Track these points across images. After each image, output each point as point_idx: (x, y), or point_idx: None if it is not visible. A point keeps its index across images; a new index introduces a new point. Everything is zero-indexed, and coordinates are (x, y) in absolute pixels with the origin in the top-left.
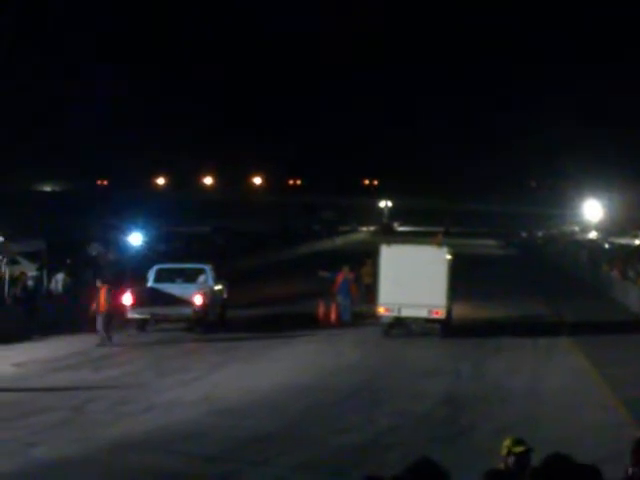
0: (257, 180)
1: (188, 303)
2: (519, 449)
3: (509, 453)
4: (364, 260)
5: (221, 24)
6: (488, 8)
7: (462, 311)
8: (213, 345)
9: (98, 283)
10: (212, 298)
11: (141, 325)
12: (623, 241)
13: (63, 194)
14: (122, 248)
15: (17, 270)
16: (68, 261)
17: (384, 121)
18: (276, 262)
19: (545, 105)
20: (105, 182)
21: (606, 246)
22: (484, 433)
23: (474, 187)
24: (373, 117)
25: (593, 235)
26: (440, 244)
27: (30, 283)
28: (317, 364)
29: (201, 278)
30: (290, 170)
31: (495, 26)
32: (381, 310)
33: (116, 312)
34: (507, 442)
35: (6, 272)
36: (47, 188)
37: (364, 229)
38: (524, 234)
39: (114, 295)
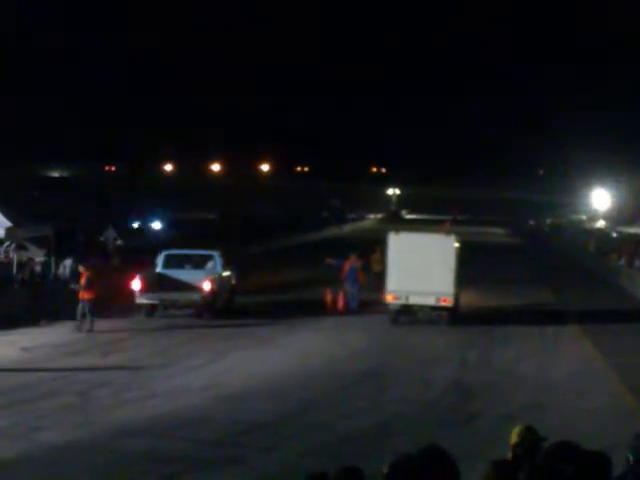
0: (265, 167)
1: (196, 289)
2: (527, 439)
3: (518, 442)
4: (373, 248)
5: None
6: None
7: (469, 299)
8: (220, 331)
9: (81, 268)
10: (220, 284)
11: (149, 311)
12: (631, 230)
13: (73, 180)
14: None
15: (25, 256)
16: (75, 246)
17: (393, 109)
18: (284, 249)
19: (554, 94)
20: (113, 168)
21: (614, 235)
22: (491, 420)
23: (482, 175)
24: (381, 105)
25: (601, 224)
26: (448, 232)
27: (38, 268)
28: (324, 351)
29: (209, 264)
30: (298, 157)
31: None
32: (389, 298)
33: (94, 299)
34: (516, 430)
35: (14, 257)
36: (55, 174)
37: (372, 217)
38: (532, 222)
39: (94, 281)
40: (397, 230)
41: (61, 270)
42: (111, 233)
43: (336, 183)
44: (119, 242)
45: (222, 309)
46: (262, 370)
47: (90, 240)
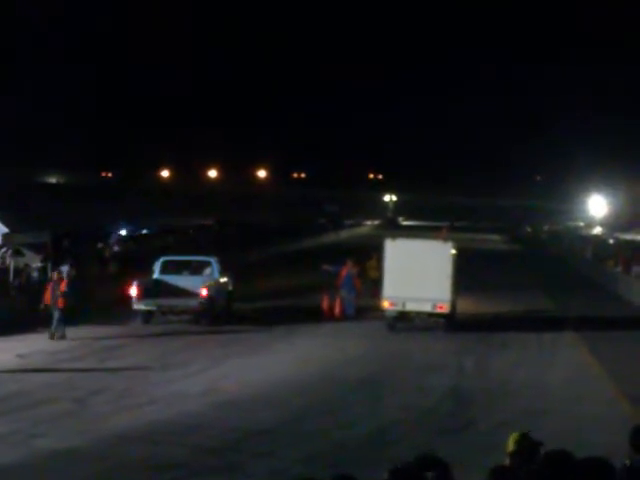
0: (261, 173)
1: (194, 295)
2: (525, 444)
3: (515, 449)
4: (370, 254)
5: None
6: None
7: (466, 305)
8: (218, 337)
9: (55, 275)
10: (218, 290)
11: (146, 317)
12: (628, 236)
13: (71, 186)
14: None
15: (21, 262)
16: (72, 252)
17: (390, 116)
18: (281, 255)
19: (551, 100)
20: (109, 174)
21: (611, 241)
22: (488, 427)
23: (479, 182)
24: (379, 112)
25: (598, 230)
26: (445, 239)
27: (35, 275)
28: (321, 357)
29: (207, 270)
30: (295, 163)
31: (509, 18)
32: (386, 304)
33: (62, 306)
34: (513, 437)
35: (11, 263)
36: (52, 180)
37: (369, 223)
38: (529, 229)
39: (61, 288)
40: (394, 236)
41: None
42: (115, 237)
43: (333, 189)
44: (116, 248)
45: (220, 315)
46: (260, 377)
47: (86, 247)
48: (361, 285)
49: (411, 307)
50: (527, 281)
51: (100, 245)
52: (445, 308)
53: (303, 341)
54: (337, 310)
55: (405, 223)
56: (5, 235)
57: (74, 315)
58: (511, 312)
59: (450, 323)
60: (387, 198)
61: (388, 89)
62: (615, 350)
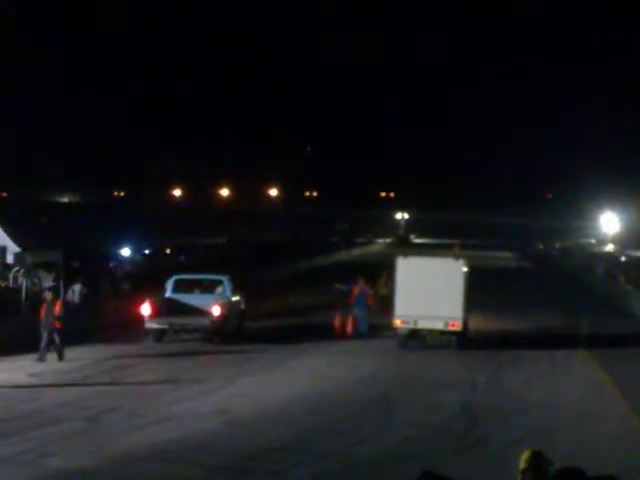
0: (273, 192)
1: (206, 314)
2: (533, 464)
3: (526, 467)
4: (380, 272)
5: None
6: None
7: (478, 323)
8: (230, 356)
9: (47, 294)
10: (230, 309)
11: (159, 335)
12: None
13: (83, 206)
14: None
15: (35, 282)
16: (84, 271)
17: (401, 134)
18: (293, 273)
19: (562, 118)
20: (122, 193)
21: (623, 259)
22: (500, 445)
23: (491, 199)
24: (390, 130)
25: (610, 248)
26: (456, 256)
27: (47, 294)
28: (333, 375)
29: (219, 289)
30: (306, 182)
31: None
32: (397, 322)
33: (59, 328)
34: (525, 455)
35: (23, 283)
36: (64, 199)
37: (380, 241)
38: (541, 246)
39: (54, 308)
40: (406, 254)
41: (70, 295)
42: (115, 263)
43: (345, 208)
44: (128, 267)
45: (232, 334)
46: (272, 395)
47: (98, 266)
48: (374, 303)
49: (423, 325)
50: (539, 298)
51: (112, 264)
52: (457, 326)
53: (315, 359)
54: (349, 328)
55: (417, 241)
56: (17, 255)
57: (87, 334)
58: (523, 329)
59: (462, 341)
60: (399, 216)
61: (397, 108)
62: (627, 367)
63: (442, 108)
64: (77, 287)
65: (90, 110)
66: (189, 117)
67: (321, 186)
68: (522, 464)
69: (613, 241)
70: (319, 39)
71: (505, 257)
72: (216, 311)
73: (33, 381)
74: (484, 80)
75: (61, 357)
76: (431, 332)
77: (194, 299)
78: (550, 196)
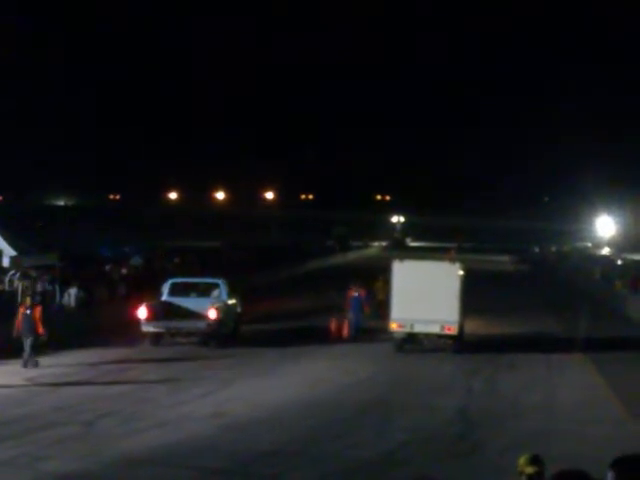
0: (269, 195)
1: (202, 317)
2: (531, 469)
3: (522, 472)
4: (377, 276)
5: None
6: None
7: (475, 327)
8: (226, 360)
9: (27, 300)
10: (226, 312)
11: (155, 339)
12: (636, 257)
13: (80, 209)
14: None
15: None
16: (80, 275)
17: (397, 137)
18: (288, 277)
19: (558, 121)
20: (117, 197)
21: (619, 262)
22: (497, 449)
23: (487, 203)
24: (385, 133)
25: (606, 251)
26: (453, 260)
27: (37, 299)
28: (329, 379)
29: (215, 292)
30: (302, 185)
31: (516, 42)
32: (394, 326)
33: (40, 333)
34: (521, 461)
35: (19, 286)
36: (60, 202)
37: (376, 244)
38: (537, 250)
39: (36, 315)
40: (401, 258)
41: (66, 299)
42: (137, 260)
43: (341, 211)
44: (124, 271)
45: (228, 337)
46: (268, 399)
47: (94, 269)
48: (369, 307)
49: (419, 329)
50: (535, 302)
51: (108, 267)
52: (453, 329)
53: (311, 363)
54: (345, 332)
55: (413, 244)
56: (13, 258)
57: (83, 337)
58: (519, 333)
59: (458, 344)
60: (395, 219)
61: (395, 112)
62: (623, 371)
63: (439, 111)
64: (73, 291)
65: (84, 110)
66: (185, 119)
67: (317, 189)
68: (520, 468)
69: (609, 244)
70: (318, 39)
71: (501, 260)
72: (212, 314)
73: (29, 385)
74: (482, 82)
75: (26, 364)
76: (427, 336)
77: (190, 302)
78: (546, 199)
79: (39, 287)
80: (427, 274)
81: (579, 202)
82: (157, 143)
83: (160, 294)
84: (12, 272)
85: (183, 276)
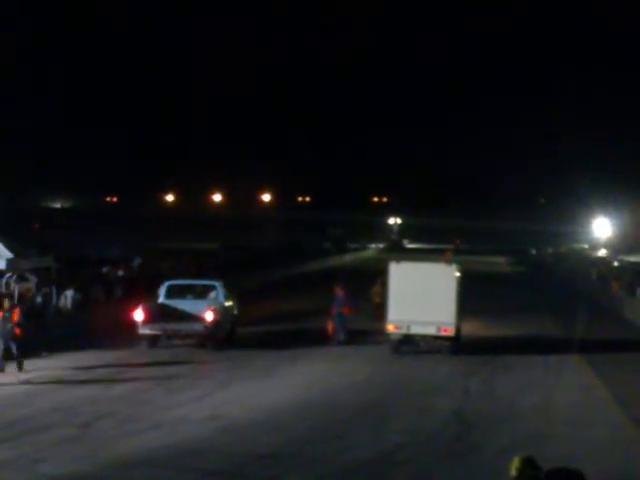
0: (266, 197)
1: (199, 319)
2: (528, 468)
3: (517, 474)
4: (374, 279)
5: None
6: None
7: (471, 328)
8: (222, 362)
9: (5, 302)
10: (223, 314)
11: (152, 341)
12: (632, 259)
13: (77, 211)
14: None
15: (26, 287)
16: (76, 277)
17: (394, 139)
18: (285, 279)
19: (555, 123)
20: (114, 199)
21: (615, 264)
22: (493, 451)
23: (483, 204)
24: (382, 135)
25: (603, 253)
26: (449, 261)
27: (39, 299)
28: (325, 381)
29: (212, 294)
30: (299, 187)
31: (513, 44)
32: (390, 327)
33: (19, 335)
34: (515, 462)
35: (15, 289)
36: (57, 204)
37: (373, 246)
38: (533, 251)
39: (14, 317)
40: (398, 259)
41: (62, 301)
42: (137, 261)
43: (337, 213)
44: (120, 273)
45: (225, 339)
46: (264, 401)
47: (90, 271)
48: (353, 310)
49: (416, 330)
50: (532, 303)
51: (105, 269)
52: (450, 331)
53: (308, 365)
54: (332, 334)
55: (410, 246)
56: (10, 260)
57: (79, 339)
58: (516, 335)
59: (455, 346)
60: (391, 221)
61: (393, 113)
62: (620, 373)
63: (437, 113)
64: (70, 293)
65: (79, 114)
66: (181, 121)
67: (314, 191)
68: (513, 470)
69: (606, 246)
70: (316, 40)
71: (498, 262)
72: (209, 316)
73: (26, 387)
74: (480, 84)
75: (20, 367)
76: (424, 337)
77: (187, 305)
78: (542, 201)
79: (32, 289)
80: (424, 275)
81: (575, 204)
82: (154, 145)
83: (157, 296)
84: (8, 275)
85: (179, 278)
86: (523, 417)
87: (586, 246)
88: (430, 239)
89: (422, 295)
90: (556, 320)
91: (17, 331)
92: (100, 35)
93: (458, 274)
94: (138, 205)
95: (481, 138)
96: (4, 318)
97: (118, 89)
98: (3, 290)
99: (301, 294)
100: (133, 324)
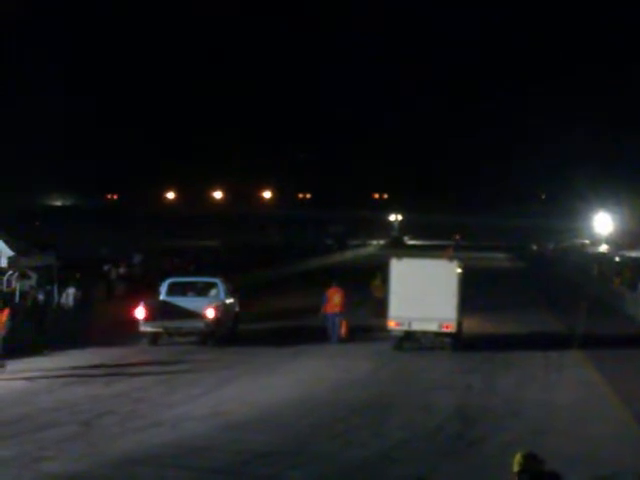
0: (267, 194)
1: (200, 316)
2: (531, 464)
3: (521, 469)
4: (374, 274)
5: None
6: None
7: (473, 324)
8: (224, 359)
9: None
10: (224, 311)
11: (153, 338)
12: (634, 254)
13: (78, 209)
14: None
15: (27, 285)
16: (78, 275)
17: (394, 135)
18: (286, 276)
19: (556, 118)
20: (115, 196)
21: (617, 259)
22: (495, 447)
23: (484, 200)
24: (383, 132)
25: (604, 248)
26: (450, 258)
27: (41, 297)
28: (327, 378)
29: (213, 292)
30: (300, 184)
31: (512, 41)
32: (391, 324)
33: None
34: (518, 457)
35: (17, 287)
36: (58, 203)
37: (374, 243)
38: (535, 247)
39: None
40: (399, 256)
41: (64, 299)
42: (137, 259)
43: (338, 210)
44: (122, 270)
45: (226, 336)
46: (265, 398)
47: (92, 269)
48: (342, 307)
49: (417, 327)
50: (533, 299)
51: (106, 267)
52: (451, 327)
53: (309, 362)
54: (343, 330)
55: (410, 242)
56: (11, 258)
57: (81, 337)
58: (517, 331)
59: (456, 342)
60: (392, 218)
61: (391, 110)
62: (622, 368)
63: (437, 109)
64: (71, 291)
65: (80, 111)
66: (181, 118)
67: (315, 188)
68: (516, 466)
69: (607, 242)
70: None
71: (499, 258)
72: (210, 314)
73: (27, 385)
74: (478, 81)
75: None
76: (425, 334)
77: (188, 302)
78: (543, 197)
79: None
80: (425, 272)
81: (576, 199)
82: (154, 142)
83: (158, 293)
84: (10, 272)
85: (180, 275)
86: (525, 413)
87: (587, 242)
88: (431, 235)
89: (423, 291)
90: (557, 316)
91: (1, 327)
92: (100, 33)
93: (459, 270)
94: (139, 203)
95: (482, 134)
96: None
97: (118, 86)
98: (4, 288)
99: (302, 291)
100: (134, 322)
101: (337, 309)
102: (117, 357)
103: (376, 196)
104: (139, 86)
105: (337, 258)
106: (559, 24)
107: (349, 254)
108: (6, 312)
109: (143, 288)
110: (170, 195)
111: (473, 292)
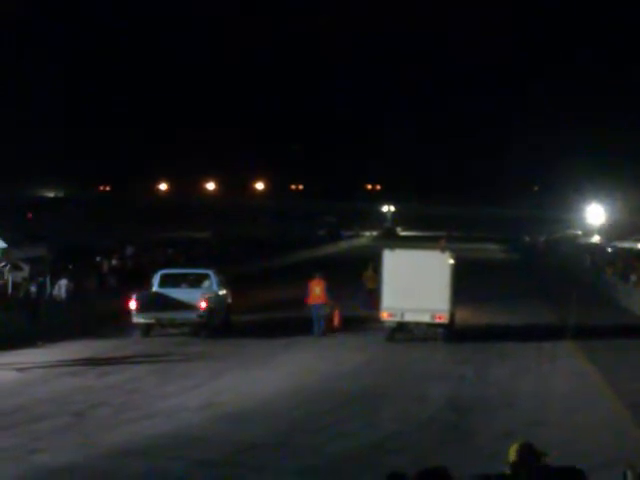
0: (259, 185)
1: (193, 308)
2: (527, 454)
3: (516, 460)
4: (366, 265)
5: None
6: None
7: (465, 315)
8: (216, 350)
9: None
10: (216, 303)
11: (146, 330)
12: (626, 245)
13: (68, 200)
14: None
15: (20, 276)
16: (70, 266)
17: (387, 126)
18: (279, 267)
19: (548, 109)
20: (107, 188)
21: (609, 250)
22: (488, 437)
23: (477, 192)
24: (375, 122)
25: (596, 239)
26: (443, 249)
27: (33, 289)
28: (319, 369)
29: (205, 283)
30: (293, 175)
31: (500, 30)
32: (384, 315)
33: None
34: (514, 447)
35: (9, 278)
36: (50, 194)
37: (367, 234)
38: (527, 238)
39: None
40: (392, 247)
41: (56, 290)
42: (130, 250)
43: (331, 201)
44: (114, 262)
45: (218, 328)
46: (258, 390)
47: (84, 261)
48: (325, 299)
49: (410, 318)
50: (525, 290)
51: (98, 259)
52: (444, 318)
53: (302, 353)
54: (336, 321)
55: (403, 233)
56: (3, 250)
57: (73, 329)
58: (510, 321)
59: (449, 333)
60: (385, 209)
61: (384, 101)
62: (614, 358)
63: (429, 101)
64: (63, 282)
65: (73, 102)
66: (174, 109)
67: (307, 179)
68: (512, 456)
69: (599, 232)
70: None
71: (492, 249)
72: (203, 305)
73: (20, 377)
74: (471, 75)
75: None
76: (418, 325)
77: (181, 293)
78: (536, 188)
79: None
80: (417, 263)
81: (569, 191)
82: (147, 134)
83: (150, 285)
84: (2, 264)
85: (172, 267)
86: (518, 404)
87: (580, 232)
88: (424, 226)
89: (416, 282)
90: (550, 307)
91: None
92: (100, 32)
93: (452, 261)
94: (131, 194)
95: (474, 126)
96: None
97: (111, 78)
98: None
99: (294, 282)
100: (127, 313)
101: (319, 300)
102: (110, 348)
103: (369, 187)
104: (133, 76)
105: (330, 249)
106: (559, 24)
107: (342, 245)
108: None
109: (135, 280)
110: (162, 186)
111: (466, 283)
